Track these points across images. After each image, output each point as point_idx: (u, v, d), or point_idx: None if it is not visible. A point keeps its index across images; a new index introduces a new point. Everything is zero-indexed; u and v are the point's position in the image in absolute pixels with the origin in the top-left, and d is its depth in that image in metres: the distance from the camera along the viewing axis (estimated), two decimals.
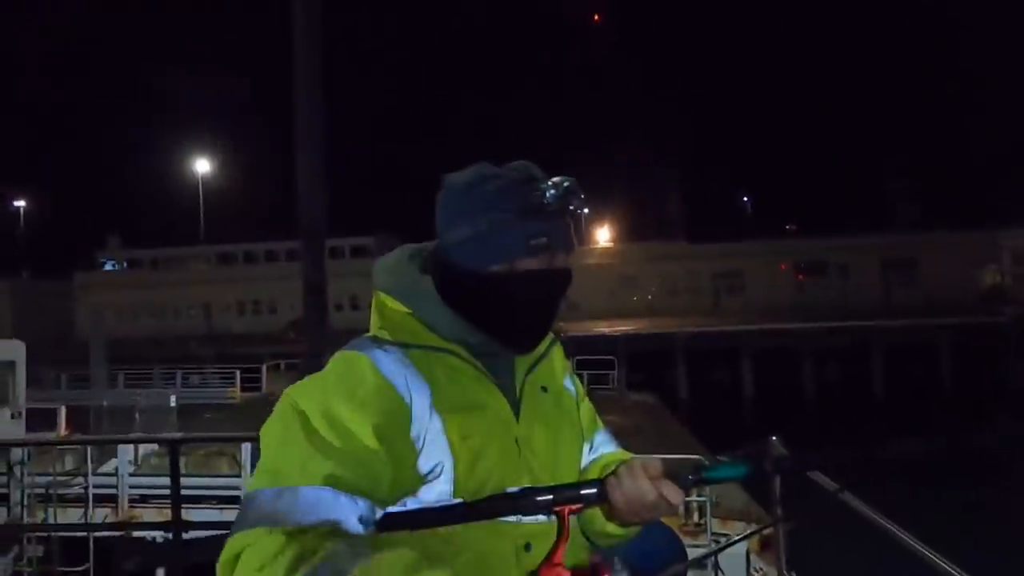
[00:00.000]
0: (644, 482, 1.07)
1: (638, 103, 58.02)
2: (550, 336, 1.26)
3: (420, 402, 1.08)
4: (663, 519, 1.23)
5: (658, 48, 69.51)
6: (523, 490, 1.08)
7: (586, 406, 1.33)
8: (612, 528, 1.17)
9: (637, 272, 42.31)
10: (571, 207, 1.12)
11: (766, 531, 3.08)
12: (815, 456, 1.41)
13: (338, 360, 1.11)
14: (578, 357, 20.47)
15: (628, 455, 1.27)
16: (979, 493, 13.33)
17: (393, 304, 1.17)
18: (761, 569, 7.97)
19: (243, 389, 20.84)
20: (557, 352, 1.30)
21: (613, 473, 1.11)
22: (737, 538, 6.60)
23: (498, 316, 1.13)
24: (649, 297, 40.85)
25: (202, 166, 52.55)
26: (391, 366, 1.08)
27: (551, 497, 1.07)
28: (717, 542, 8.05)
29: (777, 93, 65.01)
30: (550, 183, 1.11)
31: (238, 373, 21.17)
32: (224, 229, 51.63)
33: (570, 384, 1.32)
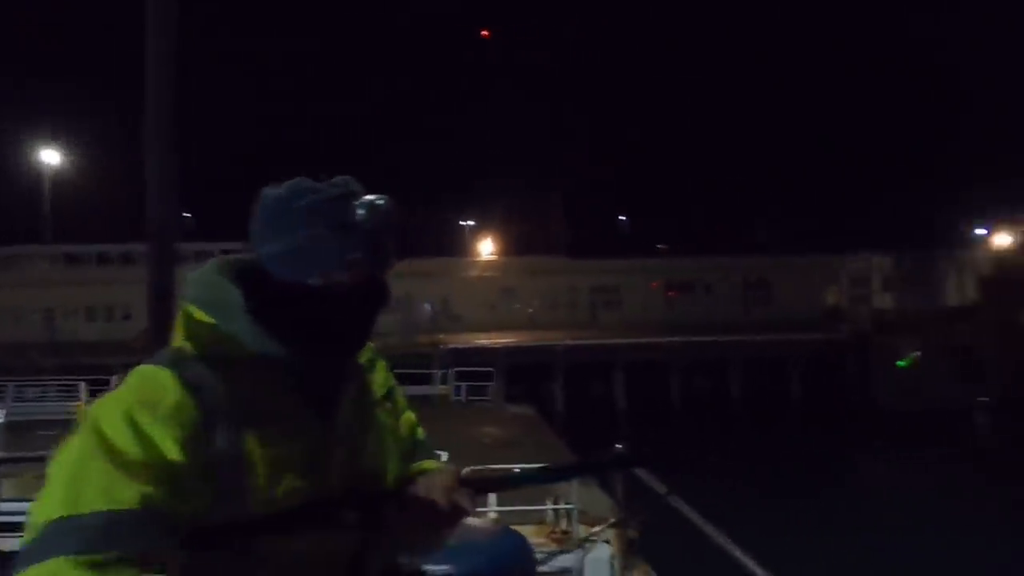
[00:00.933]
0: (437, 491, 1.12)
1: (526, 124, 59.42)
2: (371, 349, 1.30)
3: (223, 414, 1.06)
4: (526, 527, 1.26)
5: (545, 71, 71.63)
6: (324, 501, 1.09)
7: (407, 417, 1.39)
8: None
9: (518, 285, 43.02)
10: (384, 225, 1.14)
11: (611, 527, 3.16)
12: (645, 455, 1.45)
13: (137, 375, 1.08)
14: (457, 369, 20.49)
15: (440, 465, 1.32)
16: (810, 497, 14.63)
17: (199, 315, 1.14)
18: (627, 573, 8.28)
19: (88, 403, 18.92)
20: (380, 364, 1.35)
21: (411, 482, 1.16)
22: (598, 530, 6.76)
23: (312, 328, 1.13)
24: (530, 310, 41.65)
25: (49, 157, 47.64)
26: (192, 379, 1.06)
27: (351, 507, 1.10)
28: (583, 548, 8.27)
29: (659, 121, 68.84)
30: (364, 200, 1.14)
31: (83, 385, 19.25)
32: (76, 229, 47.17)
33: (390, 396, 1.36)
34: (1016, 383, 26.54)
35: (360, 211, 1.11)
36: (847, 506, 14.67)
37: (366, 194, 1.15)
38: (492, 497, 8.33)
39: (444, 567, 2.27)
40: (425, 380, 21.53)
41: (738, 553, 1.60)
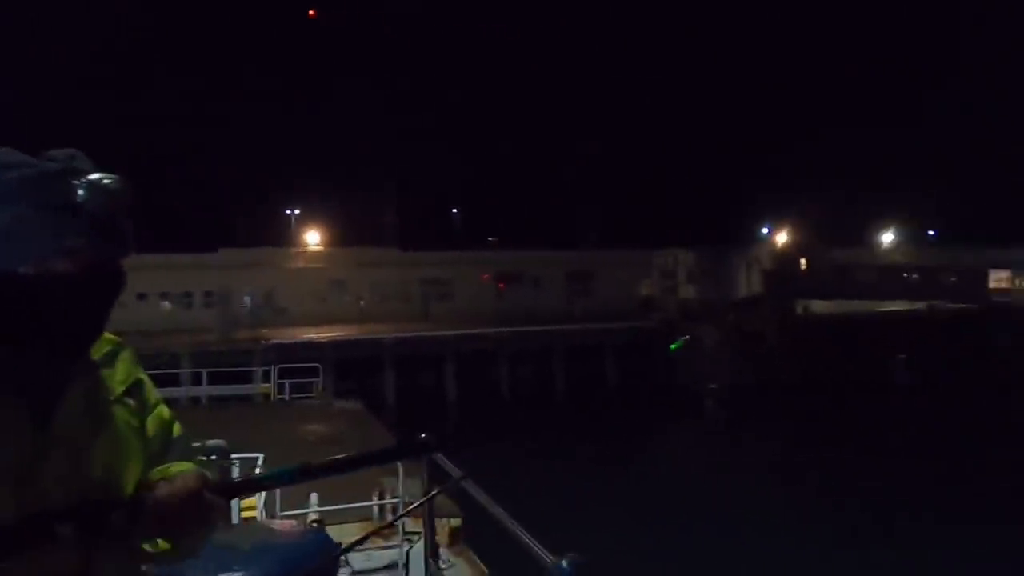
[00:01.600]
0: (179, 497, 1.04)
1: (356, 109, 57.72)
2: (112, 341, 1.20)
3: None
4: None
5: (376, 55, 69.97)
6: (38, 516, 0.98)
7: (158, 414, 1.27)
8: (162, 543, 1.12)
9: (348, 277, 41.79)
10: (112, 207, 1.03)
11: (417, 506, 3.21)
12: (428, 441, 1.51)
13: None
14: (280, 365, 19.50)
15: (189, 467, 1.21)
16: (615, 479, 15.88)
17: None
18: (450, 561, 8.44)
19: None
20: (123, 359, 1.23)
21: (151, 489, 1.07)
22: (405, 510, 6.82)
23: (24, 324, 1.01)
24: (361, 303, 40.66)
25: None
26: None
27: (69, 521, 0.99)
28: (410, 540, 8.31)
29: (489, 115, 70.22)
30: (90, 179, 1.01)
31: None
32: None
33: (135, 391, 1.23)
34: (792, 364, 30.65)
35: (82, 191, 0.99)
36: (649, 478, 16.17)
37: (92, 171, 1.03)
38: (314, 497, 8.11)
39: (237, 572, 2.20)
40: (246, 378, 20.25)
41: (520, 531, 1.73)
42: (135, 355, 1.25)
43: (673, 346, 29.89)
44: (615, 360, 30.85)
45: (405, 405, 26.33)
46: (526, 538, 1.73)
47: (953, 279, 48.76)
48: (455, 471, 2.07)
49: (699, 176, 66.92)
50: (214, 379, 19.56)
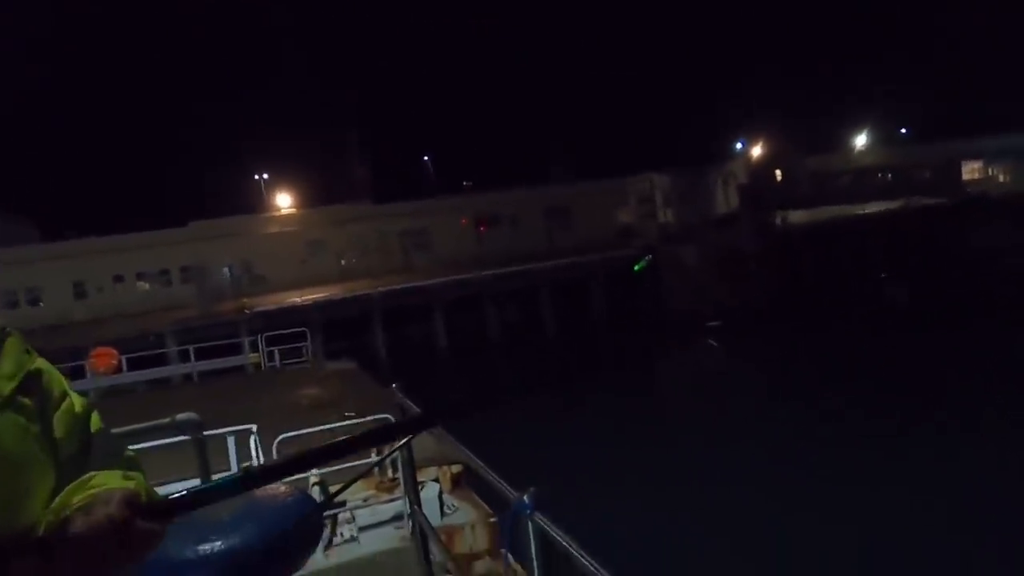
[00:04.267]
0: (99, 528, 0.85)
1: (315, 70, 55.81)
2: None
3: None
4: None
5: (334, 9, 67.20)
6: None
7: (65, 411, 1.06)
8: None
9: (325, 236, 41.29)
10: None
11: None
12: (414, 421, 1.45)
13: None
14: (267, 333, 19.41)
15: (116, 482, 0.97)
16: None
17: None
18: (455, 506, 8.64)
19: None
20: (7, 348, 1.01)
21: (65, 523, 0.87)
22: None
23: None
24: (343, 262, 40.34)
25: None
26: None
27: None
28: (414, 491, 8.46)
29: (455, 63, 68.26)
30: None
31: None
32: None
33: (31, 386, 1.02)
34: (775, 277, 30.93)
35: None
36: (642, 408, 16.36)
37: None
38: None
39: (216, 542, 2.20)
40: (234, 350, 20.17)
41: (486, 471, 1.87)
42: (23, 341, 1.03)
43: (636, 267, 29.79)
44: (601, 291, 31.00)
45: (397, 359, 26.47)
46: (491, 477, 1.87)
47: (927, 174, 49.05)
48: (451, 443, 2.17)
49: (670, 96, 65.98)
50: (202, 354, 19.46)
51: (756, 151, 51.03)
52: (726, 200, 42.10)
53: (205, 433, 5.68)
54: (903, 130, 65.47)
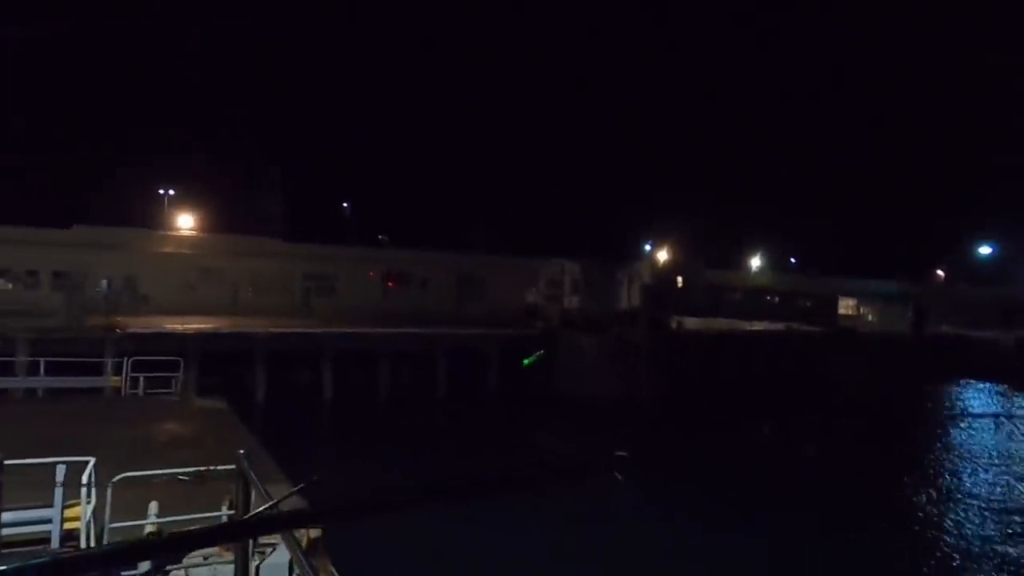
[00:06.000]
0: None
1: (246, 97, 54.67)
2: None
3: None
4: None
5: (273, 36, 66.70)
6: None
7: None
8: None
9: (223, 265, 39.33)
10: None
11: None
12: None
13: None
14: (136, 357, 17.90)
15: None
16: None
17: None
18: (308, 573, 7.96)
19: None
20: None
21: None
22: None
23: None
24: (242, 294, 38.40)
25: None
26: None
27: None
28: (263, 553, 7.75)
29: (385, 114, 68.87)
30: None
31: None
32: None
33: None
34: (664, 376, 32.15)
35: None
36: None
37: None
38: (154, 506, 7.37)
39: None
40: (95, 370, 18.42)
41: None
42: None
43: (526, 361, 30.02)
44: (498, 365, 30.96)
45: (276, 404, 25.02)
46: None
47: (809, 303, 53.33)
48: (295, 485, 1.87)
49: (589, 192, 69.14)
50: (56, 369, 17.65)
51: (662, 255, 53.88)
52: (628, 297, 43.79)
53: (22, 461, 4.97)
54: (792, 260, 71.45)
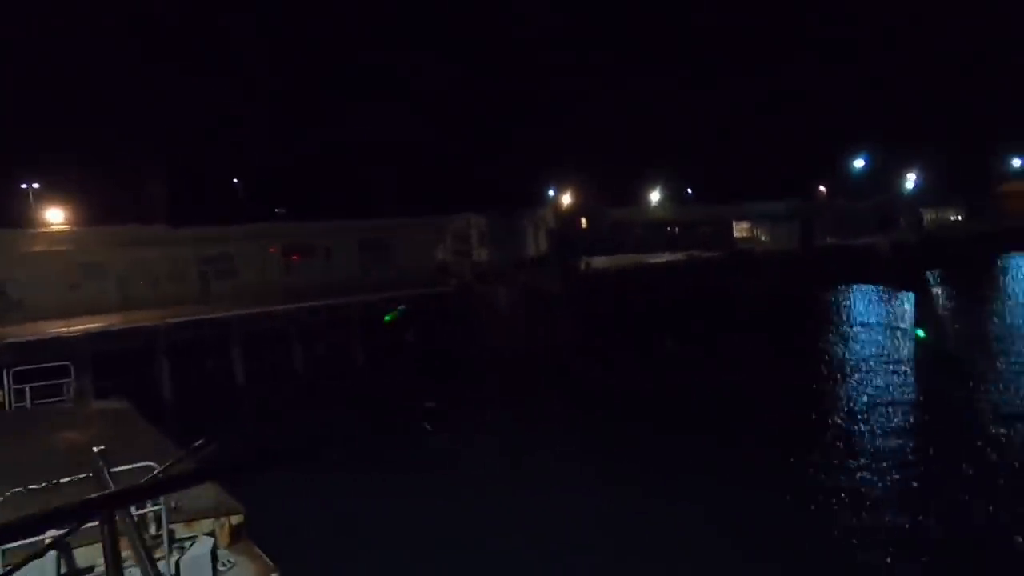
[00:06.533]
0: None
1: (117, 74, 50.09)
2: None
3: None
4: None
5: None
6: None
7: None
8: None
9: (106, 260, 36.64)
10: None
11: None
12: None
13: None
14: (17, 368, 16.56)
15: None
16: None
17: None
18: (231, 561, 7.81)
19: None
20: None
21: None
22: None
23: None
24: (141, 286, 36.03)
25: None
26: None
27: None
28: (182, 548, 7.54)
29: (272, 79, 65.10)
30: None
31: None
32: None
33: None
34: (577, 318, 32.97)
35: None
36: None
37: None
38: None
39: None
40: None
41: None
42: None
43: (388, 317, 29.91)
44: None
45: (185, 398, 23.98)
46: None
47: (706, 231, 55.88)
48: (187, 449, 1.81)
49: (489, 142, 68.64)
50: None
51: (566, 199, 54.62)
52: (536, 244, 44.34)
53: None
54: (689, 191, 74.18)
